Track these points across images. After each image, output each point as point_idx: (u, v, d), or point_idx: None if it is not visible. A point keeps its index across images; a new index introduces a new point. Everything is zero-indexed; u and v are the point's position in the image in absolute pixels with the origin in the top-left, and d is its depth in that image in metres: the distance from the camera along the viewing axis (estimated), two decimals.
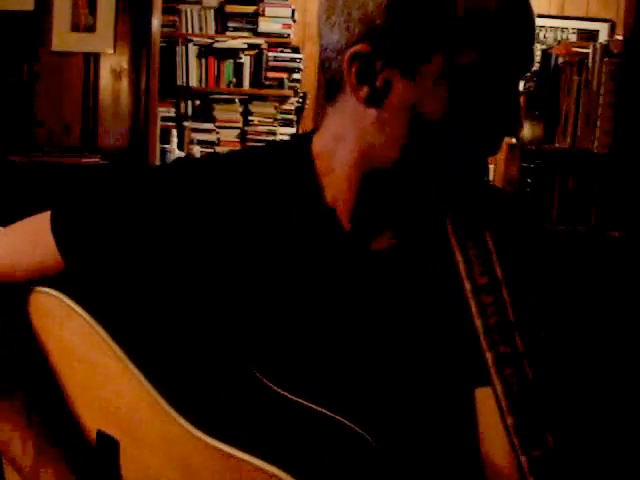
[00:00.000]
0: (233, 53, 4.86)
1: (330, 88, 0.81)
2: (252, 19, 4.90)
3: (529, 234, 0.90)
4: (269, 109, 4.92)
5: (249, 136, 4.89)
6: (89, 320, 0.83)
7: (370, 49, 0.75)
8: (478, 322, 0.77)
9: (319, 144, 0.85)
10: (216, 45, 4.86)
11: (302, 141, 0.87)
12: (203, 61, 4.86)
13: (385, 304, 0.83)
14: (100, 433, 0.84)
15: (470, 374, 0.81)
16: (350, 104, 0.79)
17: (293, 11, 4.91)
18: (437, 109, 0.75)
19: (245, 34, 4.92)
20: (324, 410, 0.74)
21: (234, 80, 4.88)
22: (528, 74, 3.12)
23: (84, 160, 2.91)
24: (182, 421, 0.76)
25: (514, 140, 3.50)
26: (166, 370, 0.82)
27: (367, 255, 0.84)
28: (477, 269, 0.79)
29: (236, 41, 4.86)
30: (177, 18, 4.86)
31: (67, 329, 0.85)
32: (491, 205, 0.86)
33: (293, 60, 4.89)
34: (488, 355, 0.75)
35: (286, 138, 1.08)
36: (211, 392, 0.80)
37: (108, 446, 0.83)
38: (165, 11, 4.19)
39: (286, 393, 0.77)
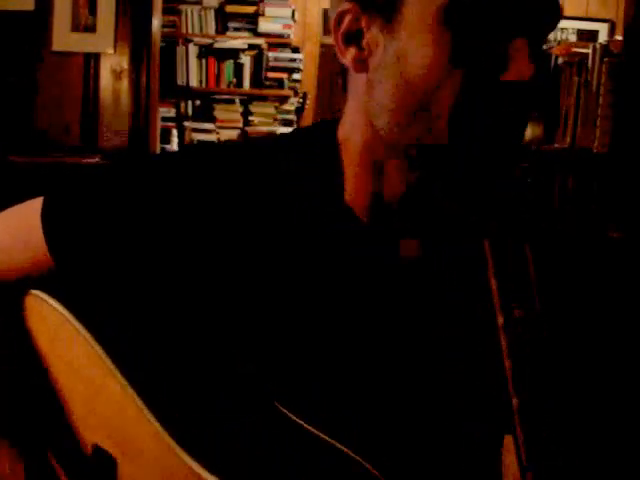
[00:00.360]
0: (233, 53, 4.86)
1: (342, 75, 0.80)
2: (252, 19, 4.91)
3: (572, 249, 0.83)
4: (269, 109, 4.92)
5: (249, 136, 4.89)
6: (85, 334, 0.78)
7: (354, 6, 0.73)
8: (508, 362, 0.69)
9: (340, 133, 0.81)
10: (216, 45, 4.86)
11: (328, 127, 0.82)
12: (203, 61, 4.86)
13: (406, 320, 0.77)
14: (98, 448, 0.80)
15: (498, 421, 0.72)
16: (354, 82, 0.77)
17: (293, 11, 4.91)
18: (423, 65, 0.69)
19: (245, 34, 4.92)
20: (334, 442, 0.69)
21: (234, 80, 4.88)
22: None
23: (84, 160, 2.91)
24: (181, 453, 0.73)
25: None
26: (161, 386, 0.78)
27: (388, 255, 0.78)
28: (514, 300, 0.70)
29: (236, 41, 4.87)
30: (177, 18, 4.86)
31: (62, 339, 0.80)
32: (529, 216, 0.81)
33: (293, 60, 4.90)
34: (514, 401, 0.68)
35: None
36: (209, 409, 0.76)
37: (105, 463, 0.79)
38: (165, 11, 4.19)
39: (288, 412, 0.72)
